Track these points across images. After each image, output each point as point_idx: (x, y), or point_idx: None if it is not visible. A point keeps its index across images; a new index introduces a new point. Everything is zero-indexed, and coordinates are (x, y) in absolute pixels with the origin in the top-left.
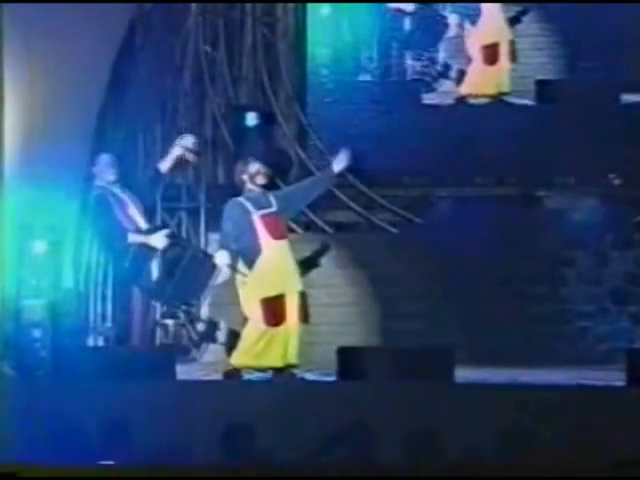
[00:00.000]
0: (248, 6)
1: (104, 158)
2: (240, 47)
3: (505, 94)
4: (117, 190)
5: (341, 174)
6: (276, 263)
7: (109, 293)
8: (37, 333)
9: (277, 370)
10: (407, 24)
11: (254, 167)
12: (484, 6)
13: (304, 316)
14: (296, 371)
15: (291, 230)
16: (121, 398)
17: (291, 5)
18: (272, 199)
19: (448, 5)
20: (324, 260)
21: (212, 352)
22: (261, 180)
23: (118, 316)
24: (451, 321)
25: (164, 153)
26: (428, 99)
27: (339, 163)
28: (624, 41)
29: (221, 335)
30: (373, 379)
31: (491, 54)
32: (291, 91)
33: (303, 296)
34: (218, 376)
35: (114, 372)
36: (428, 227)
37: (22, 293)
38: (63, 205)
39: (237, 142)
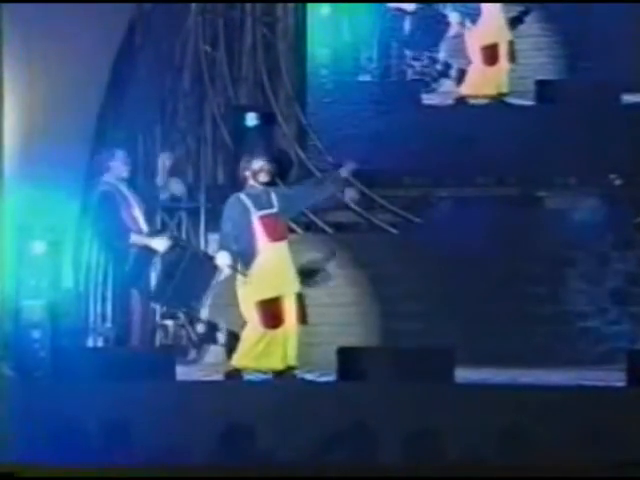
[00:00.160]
0: (248, 6)
1: (120, 154)
2: (240, 47)
3: (505, 95)
4: (124, 188)
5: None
6: (273, 265)
7: (109, 294)
8: (36, 334)
9: (277, 372)
10: (407, 24)
11: (258, 164)
12: (484, 6)
13: (302, 318)
14: (296, 372)
15: (291, 230)
16: (121, 399)
17: (291, 5)
18: (274, 198)
19: (449, 4)
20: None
21: (213, 353)
22: (264, 177)
23: (118, 317)
24: (451, 321)
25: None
26: (428, 99)
27: (347, 168)
28: (624, 41)
29: (221, 336)
30: (373, 379)
31: (490, 55)
32: (291, 91)
33: (300, 298)
34: (219, 377)
35: (114, 373)
36: (428, 227)
37: (21, 294)
38: (63, 205)
39: (237, 142)
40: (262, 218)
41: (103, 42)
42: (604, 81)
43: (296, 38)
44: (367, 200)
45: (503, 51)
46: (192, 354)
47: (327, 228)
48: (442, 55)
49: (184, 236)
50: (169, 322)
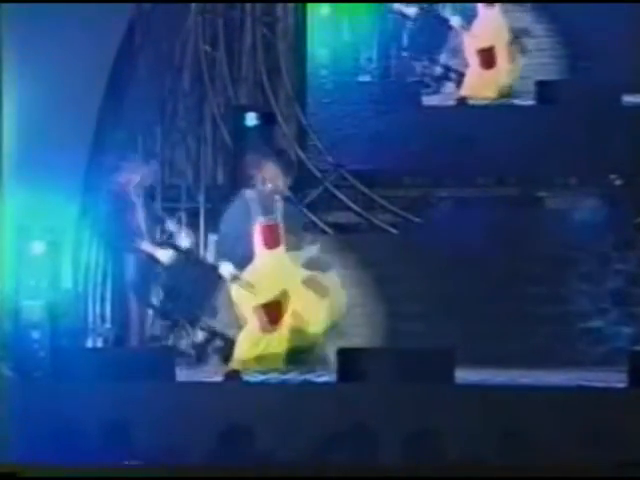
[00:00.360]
0: (248, 6)
1: (154, 162)
2: (240, 47)
3: (505, 96)
4: (134, 192)
5: (341, 175)
6: (269, 270)
7: (108, 294)
8: (36, 334)
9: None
10: (409, 27)
11: (271, 171)
12: (480, 8)
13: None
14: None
15: None
16: (120, 399)
17: (291, 5)
18: (279, 207)
19: (448, 6)
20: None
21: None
22: (275, 186)
23: (117, 317)
24: (451, 322)
25: (163, 155)
26: (428, 101)
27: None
28: (625, 42)
29: (219, 341)
30: (373, 380)
31: (487, 58)
32: (291, 91)
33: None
34: (218, 378)
35: (113, 373)
36: (428, 228)
37: (21, 294)
38: (62, 206)
39: (237, 142)
40: (263, 226)
41: (102, 42)
42: (605, 81)
43: (296, 38)
44: (367, 200)
45: (501, 53)
46: (196, 356)
47: (327, 229)
48: (443, 57)
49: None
50: (169, 323)
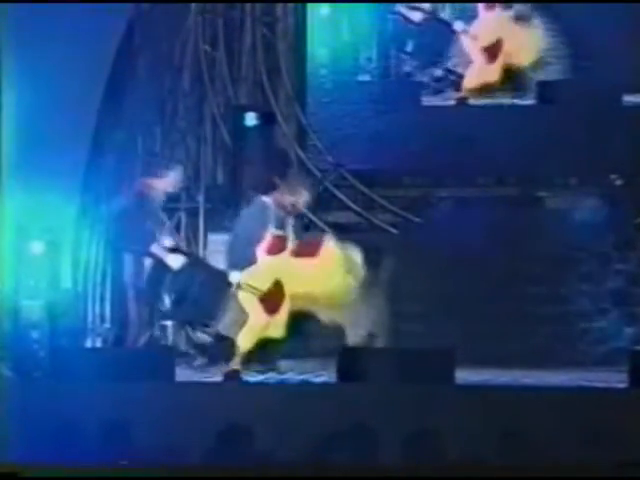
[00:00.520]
0: (248, 6)
1: (179, 168)
2: (240, 47)
3: (505, 89)
4: (157, 197)
5: (341, 175)
6: (264, 269)
7: (107, 294)
8: (35, 334)
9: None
10: (411, 29)
11: (304, 197)
12: (480, 10)
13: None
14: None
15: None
16: (119, 399)
17: (291, 5)
18: (290, 225)
19: (449, 10)
20: None
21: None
22: (294, 200)
23: (116, 317)
24: (451, 322)
25: (164, 155)
26: (428, 101)
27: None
28: (625, 41)
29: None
30: (373, 380)
31: (491, 53)
32: (291, 91)
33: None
34: (218, 378)
35: (112, 373)
36: (428, 227)
37: (20, 294)
38: (61, 206)
39: (236, 142)
40: (274, 237)
41: (101, 42)
42: (605, 81)
43: (296, 38)
44: (367, 200)
45: (505, 47)
46: (200, 360)
47: (327, 228)
48: (444, 59)
49: (183, 236)
50: (168, 323)
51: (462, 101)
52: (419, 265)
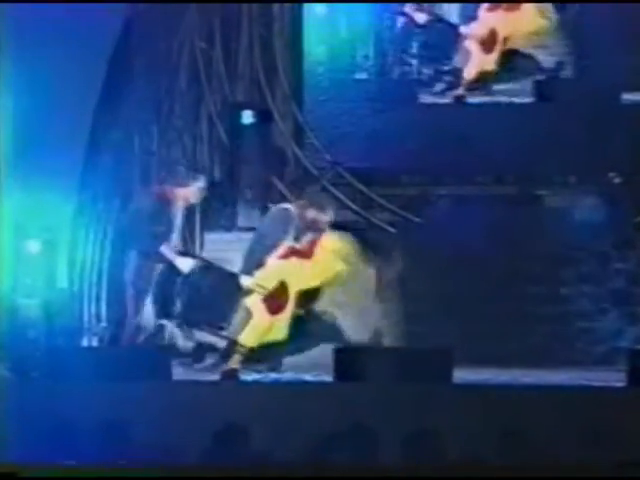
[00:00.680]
0: (244, 4)
1: (201, 179)
2: (237, 45)
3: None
4: (178, 205)
5: (339, 173)
6: (271, 271)
7: (104, 293)
8: (32, 333)
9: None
10: (412, 31)
11: (326, 217)
12: (481, 11)
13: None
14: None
15: None
16: (118, 398)
17: (287, 3)
18: (308, 236)
19: (453, 13)
20: None
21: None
22: (315, 227)
23: (113, 316)
24: (450, 322)
25: (160, 154)
26: (426, 99)
27: None
28: (624, 40)
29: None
30: (370, 380)
31: (487, 44)
32: (287, 89)
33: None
34: (216, 377)
35: (109, 373)
36: (427, 226)
37: (17, 292)
38: (58, 205)
39: (233, 140)
40: (288, 248)
41: (98, 41)
42: (604, 80)
43: (293, 36)
44: (365, 199)
45: (500, 37)
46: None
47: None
48: (445, 60)
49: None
50: (165, 322)
51: (460, 99)
52: (417, 264)
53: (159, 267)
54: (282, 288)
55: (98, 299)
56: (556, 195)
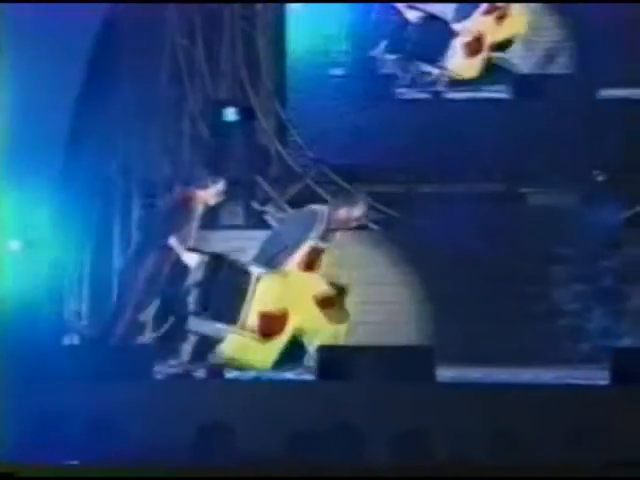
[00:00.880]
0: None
1: (220, 183)
2: (219, 42)
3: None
4: (196, 208)
5: (322, 170)
6: (283, 286)
7: (85, 292)
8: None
9: None
10: (396, 28)
11: (357, 214)
12: (476, 13)
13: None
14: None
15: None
16: (100, 398)
17: None
18: (336, 236)
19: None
20: None
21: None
22: (348, 214)
23: (95, 314)
24: (434, 320)
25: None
26: (410, 95)
27: None
28: (607, 36)
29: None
30: (353, 378)
31: (474, 47)
32: (270, 86)
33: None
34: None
35: (91, 371)
36: (411, 224)
37: None
38: (39, 203)
39: (216, 138)
40: (311, 248)
41: (77, 40)
42: (587, 76)
43: (275, 33)
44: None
45: (487, 42)
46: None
47: None
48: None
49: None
50: (147, 319)
51: (443, 96)
52: (401, 262)
53: (169, 262)
54: (281, 313)
55: (80, 297)
56: (541, 193)
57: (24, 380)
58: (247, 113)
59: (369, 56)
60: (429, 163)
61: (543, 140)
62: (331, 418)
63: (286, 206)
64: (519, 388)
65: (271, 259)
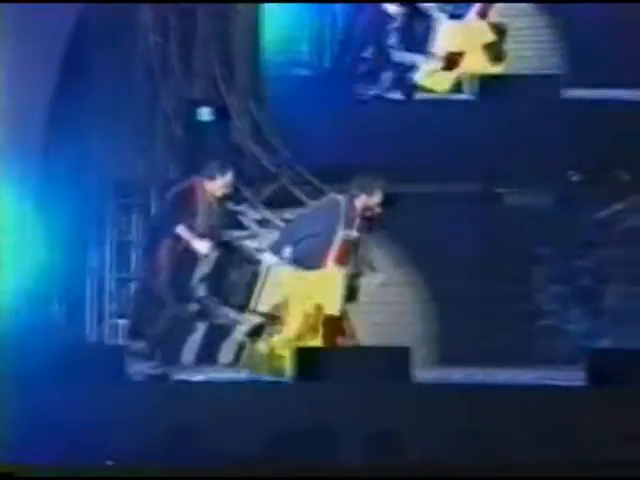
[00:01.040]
0: None
1: (229, 175)
2: (193, 40)
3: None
4: (205, 198)
5: (297, 171)
6: (321, 284)
7: (66, 293)
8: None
9: None
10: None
11: (375, 201)
12: (471, 14)
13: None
14: None
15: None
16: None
17: None
18: (357, 222)
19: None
20: None
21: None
22: (368, 199)
23: (74, 316)
24: (414, 320)
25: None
26: (384, 95)
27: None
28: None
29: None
30: (330, 379)
31: (451, 60)
32: (245, 85)
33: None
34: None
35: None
36: (388, 224)
37: None
38: (21, 204)
39: (190, 137)
40: (343, 240)
41: (50, 38)
42: (562, 77)
43: (250, 32)
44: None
45: (469, 58)
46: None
47: (283, 225)
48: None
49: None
50: (121, 321)
51: (422, 96)
52: (380, 263)
53: (176, 251)
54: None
55: (60, 299)
56: (517, 193)
57: (23, 381)
58: (221, 113)
59: (345, 56)
60: (405, 163)
61: (519, 140)
62: (308, 419)
63: (261, 206)
64: (496, 389)
65: (306, 256)
